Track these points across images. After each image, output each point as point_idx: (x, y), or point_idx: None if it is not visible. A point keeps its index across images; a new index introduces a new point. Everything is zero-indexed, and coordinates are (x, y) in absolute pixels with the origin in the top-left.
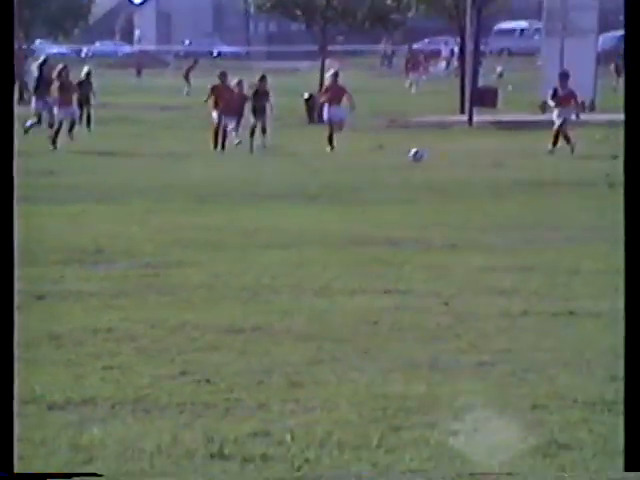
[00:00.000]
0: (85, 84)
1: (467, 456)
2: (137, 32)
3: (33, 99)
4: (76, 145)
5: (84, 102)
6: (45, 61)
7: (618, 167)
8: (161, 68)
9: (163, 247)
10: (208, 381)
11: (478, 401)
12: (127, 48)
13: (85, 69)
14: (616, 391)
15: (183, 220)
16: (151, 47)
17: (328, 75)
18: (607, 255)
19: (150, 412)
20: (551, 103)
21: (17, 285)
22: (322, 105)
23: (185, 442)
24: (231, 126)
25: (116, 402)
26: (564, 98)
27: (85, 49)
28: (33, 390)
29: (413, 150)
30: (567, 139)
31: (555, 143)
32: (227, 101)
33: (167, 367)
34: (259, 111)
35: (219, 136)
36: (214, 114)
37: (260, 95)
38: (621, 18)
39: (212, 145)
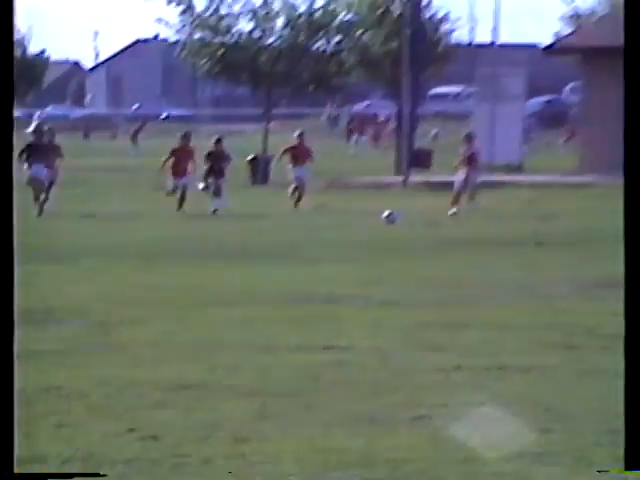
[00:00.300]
0: None
1: None
2: (88, 96)
3: (25, 165)
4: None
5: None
6: (38, 126)
7: (545, 227)
8: (111, 131)
9: (112, 306)
10: (155, 438)
11: (415, 454)
12: (79, 111)
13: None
14: (546, 443)
15: (132, 279)
16: (102, 110)
17: (294, 135)
18: (535, 311)
19: (99, 469)
20: (456, 164)
21: None
22: (282, 160)
23: None
24: (199, 187)
25: (66, 460)
26: (468, 159)
27: (37, 113)
28: None
29: (386, 212)
30: (457, 200)
31: (472, 198)
32: (187, 163)
33: (116, 424)
34: (217, 173)
35: (178, 197)
36: (171, 177)
37: (216, 157)
38: (545, 84)
39: (177, 207)
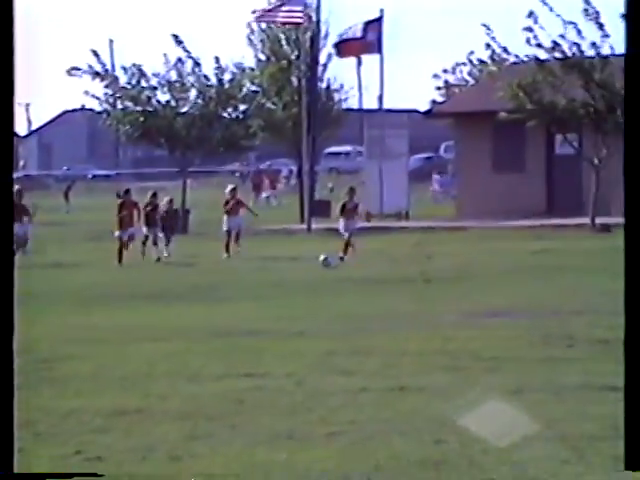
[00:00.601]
0: None
1: None
2: (22, 161)
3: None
4: None
5: None
6: (19, 190)
7: (431, 266)
8: (43, 190)
9: (54, 344)
10: (100, 459)
11: (329, 465)
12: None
13: None
14: (442, 453)
15: (71, 321)
16: (34, 172)
17: (227, 190)
18: (427, 339)
19: None
20: (339, 214)
21: None
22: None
23: None
24: (148, 238)
25: None
26: (350, 210)
27: None
28: None
29: (322, 256)
30: (352, 246)
31: (346, 250)
32: (132, 215)
33: (63, 448)
34: (152, 224)
35: (123, 250)
36: (117, 232)
37: (153, 210)
38: (424, 143)
39: (117, 259)
